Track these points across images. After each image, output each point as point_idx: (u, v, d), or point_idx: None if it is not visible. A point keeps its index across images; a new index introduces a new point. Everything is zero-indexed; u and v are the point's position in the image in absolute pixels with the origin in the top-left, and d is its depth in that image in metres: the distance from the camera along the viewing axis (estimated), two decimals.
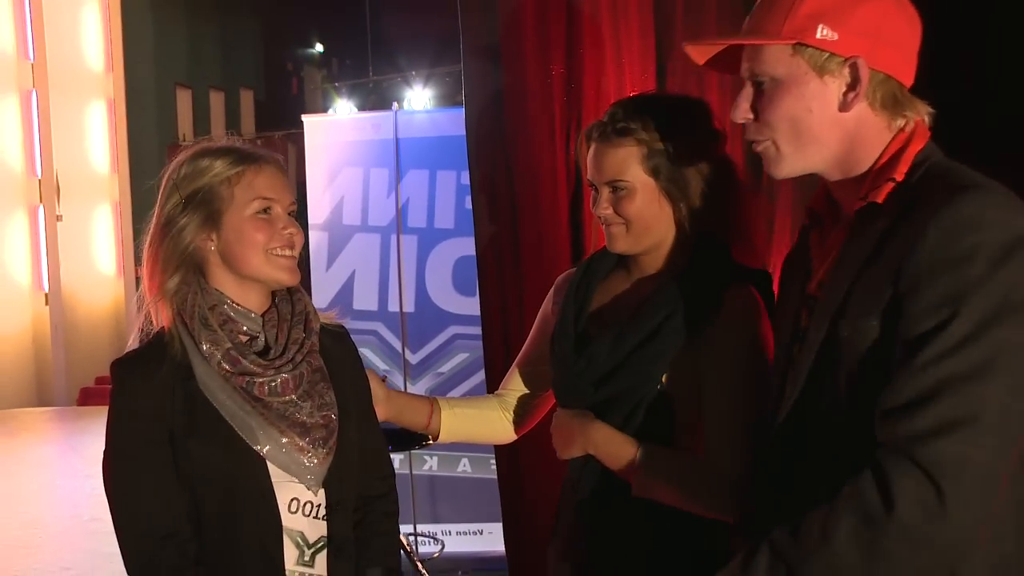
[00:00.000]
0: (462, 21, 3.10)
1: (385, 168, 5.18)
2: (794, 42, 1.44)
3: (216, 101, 22.31)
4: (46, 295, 17.62)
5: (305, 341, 1.80)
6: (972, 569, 1.34)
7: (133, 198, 19.16)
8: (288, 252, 1.78)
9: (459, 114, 3.29)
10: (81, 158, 18.46)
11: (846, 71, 1.44)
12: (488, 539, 4.88)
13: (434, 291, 5.09)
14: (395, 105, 5.26)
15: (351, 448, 1.83)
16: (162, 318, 1.78)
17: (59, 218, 17.59)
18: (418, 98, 17.11)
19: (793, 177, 1.56)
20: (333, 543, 1.81)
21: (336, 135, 5.32)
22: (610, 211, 1.88)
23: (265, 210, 1.75)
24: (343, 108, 18.20)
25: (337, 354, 1.89)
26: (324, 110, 19.37)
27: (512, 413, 2.20)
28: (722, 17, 2.99)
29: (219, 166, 1.76)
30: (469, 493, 5.06)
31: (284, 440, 1.72)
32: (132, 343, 1.83)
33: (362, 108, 18.24)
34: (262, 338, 1.80)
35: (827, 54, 1.44)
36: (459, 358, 5.09)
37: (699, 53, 1.62)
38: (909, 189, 1.40)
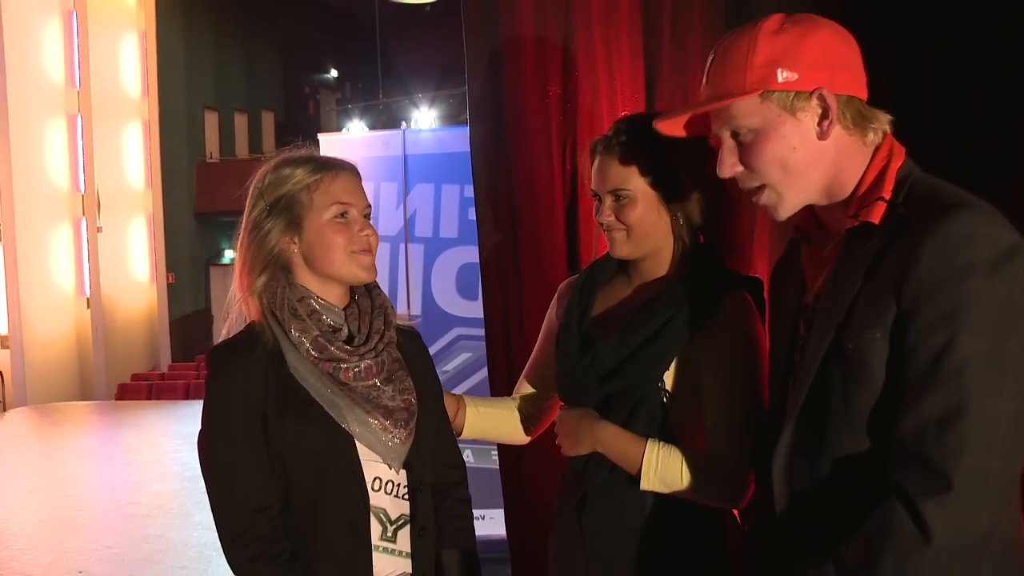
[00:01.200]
0: (467, 46, 3.06)
1: (394, 182, 5.15)
2: (761, 92, 1.42)
3: (240, 122, 22.37)
4: (87, 300, 17.73)
5: (385, 332, 1.78)
6: (988, 559, 1.33)
7: (165, 211, 19.24)
8: (366, 253, 1.76)
9: (463, 132, 3.24)
10: (119, 175, 18.61)
11: (814, 103, 1.42)
12: (490, 523, 4.81)
13: (439, 295, 5.07)
14: (403, 124, 5.20)
15: (428, 434, 1.81)
16: (252, 312, 1.75)
17: (99, 229, 17.73)
18: (424, 118, 17.13)
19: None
20: (417, 522, 1.77)
21: (349, 152, 5.22)
22: (612, 218, 1.85)
23: (342, 214, 1.73)
24: (356, 128, 18.24)
25: (411, 351, 1.87)
26: (338, 129, 19.39)
27: (525, 416, 2.16)
28: (705, 43, 2.95)
29: (299, 174, 1.74)
30: (472, 481, 4.98)
31: (370, 420, 1.70)
32: (224, 335, 1.80)
33: (373, 127, 18.25)
34: (345, 329, 1.77)
35: (793, 93, 1.41)
36: (463, 357, 5.06)
37: (670, 126, 1.59)
38: (898, 207, 1.38)
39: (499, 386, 3.05)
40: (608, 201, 1.85)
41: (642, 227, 1.84)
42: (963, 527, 1.25)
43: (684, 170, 1.82)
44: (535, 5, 3.00)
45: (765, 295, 1.86)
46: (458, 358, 5.08)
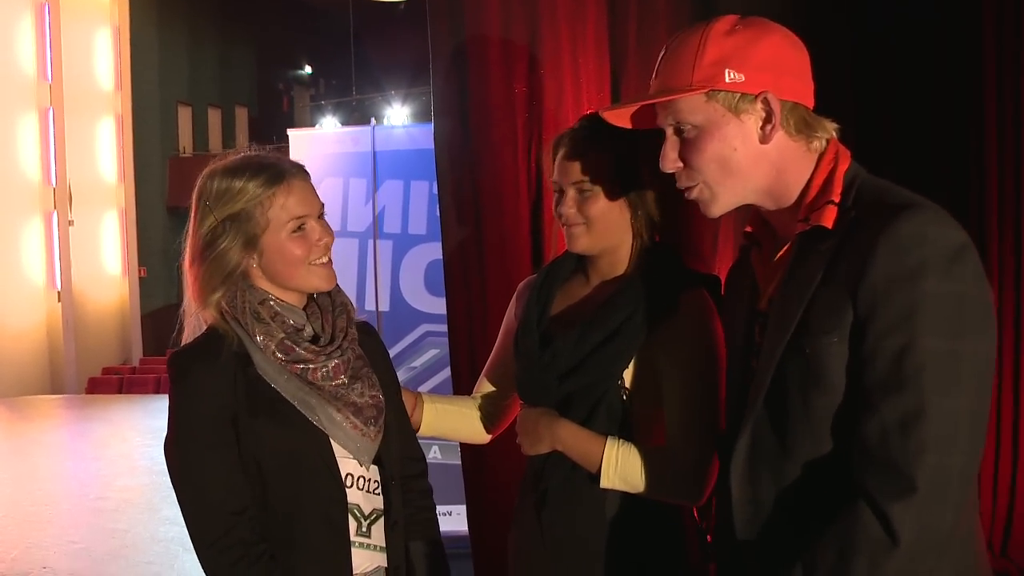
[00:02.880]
0: (432, 44, 3.04)
1: (363, 178, 5.11)
2: (707, 90, 1.41)
3: (214, 117, 22.21)
4: (58, 293, 17.56)
5: (348, 330, 1.75)
6: (950, 558, 1.33)
7: (138, 205, 19.08)
8: (324, 259, 1.72)
9: (432, 129, 3.21)
10: (91, 169, 18.43)
11: (759, 106, 1.41)
12: (456, 519, 4.79)
13: (407, 292, 5.04)
14: (372, 121, 5.16)
15: (394, 429, 1.80)
16: (209, 318, 1.71)
17: (71, 223, 17.57)
18: (397, 115, 17.06)
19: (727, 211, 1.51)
20: (391, 516, 1.76)
21: (319, 148, 5.23)
22: (574, 210, 1.83)
23: (300, 227, 1.69)
24: (328, 124, 18.14)
25: (369, 346, 1.84)
26: (312, 125, 19.27)
27: (486, 414, 2.14)
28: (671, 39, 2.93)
29: (251, 189, 1.67)
30: (439, 477, 4.94)
31: (339, 418, 1.67)
32: (186, 341, 1.75)
33: (346, 124, 18.17)
34: (309, 328, 1.74)
35: (739, 95, 1.41)
36: (430, 354, 5.04)
37: (617, 116, 1.59)
38: (848, 210, 1.38)
39: (462, 383, 3.03)
40: (571, 193, 1.83)
41: (603, 221, 1.82)
42: (929, 527, 1.26)
43: (646, 166, 1.79)
44: (501, 4, 2.98)
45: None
46: (426, 354, 5.05)
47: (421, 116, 16.73)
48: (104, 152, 18.96)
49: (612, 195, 1.81)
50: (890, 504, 1.25)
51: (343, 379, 1.70)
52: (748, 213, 1.60)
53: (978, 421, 1.28)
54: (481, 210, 3.00)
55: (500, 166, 2.95)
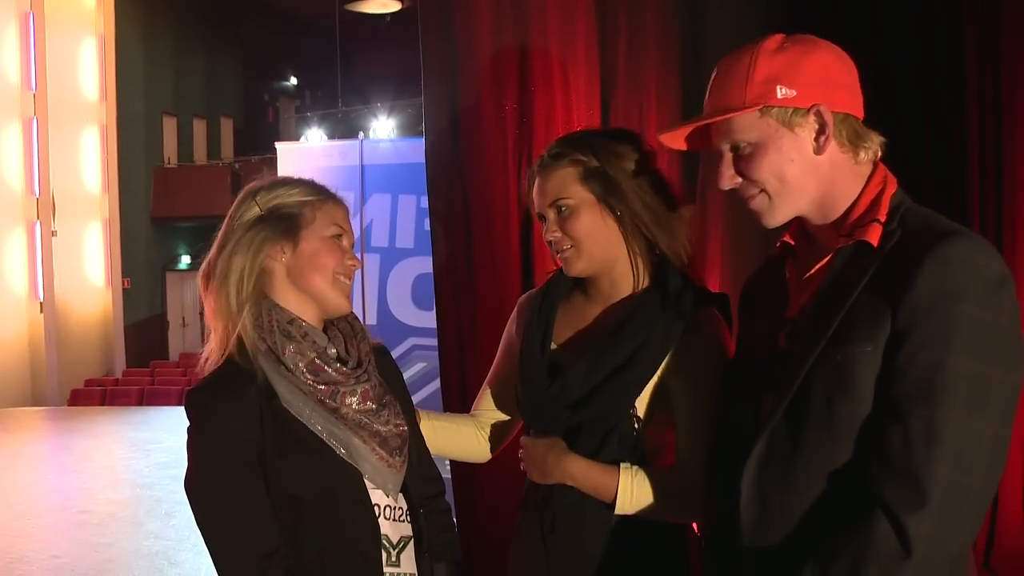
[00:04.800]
0: (423, 59, 3.05)
1: (351, 192, 5.12)
2: (760, 107, 1.46)
3: (199, 128, 22.14)
4: (41, 304, 17.44)
5: (370, 356, 1.74)
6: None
7: (122, 216, 18.99)
8: (349, 280, 1.73)
9: (420, 143, 3.23)
10: (75, 179, 18.34)
11: (811, 119, 1.46)
12: None
13: (395, 305, 5.06)
14: (361, 135, 5.17)
15: (415, 455, 1.78)
16: (232, 342, 1.66)
17: (54, 233, 17.46)
18: (383, 127, 17.04)
19: (783, 221, 1.54)
20: (421, 543, 1.74)
21: (306, 161, 5.26)
22: (559, 234, 1.80)
23: (338, 236, 1.71)
24: (315, 136, 18.12)
25: (383, 367, 1.81)
26: (297, 137, 19.26)
27: (486, 433, 2.09)
28: (660, 62, 2.97)
29: (301, 191, 1.72)
30: None
31: (367, 449, 1.64)
32: (203, 371, 1.70)
33: (332, 136, 18.13)
34: (333, 350, 1.71)
35: (791, 109, 1.45)
36: (418, 367, 5.05)
37: (673, 139, 1.63)
38: (893, 232, 1.42)
39: (452, 398, 3.03)
40: (552, 216, 1.81)
41: (590, 238, 1.79)
42: (942, 542, 1.28)
43: (617, 171, 1.79)
44: (492, 21, 3.00)
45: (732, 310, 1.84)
46: (413, 368, 5.06)
47: (407, 128, 16.72)
48: (88, 162, 18.87)
49: (592, 207, 1.78)
50: (906, 515, 1.28)
51: (371, 405, 1.66)
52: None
53: (1000, 447, 1.31)
54: (472, 226, 3.01)
55: (490, 182, 2.97)
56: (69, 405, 15.89)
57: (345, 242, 1.73)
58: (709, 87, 1.54)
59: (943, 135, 3.29)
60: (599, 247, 1.80)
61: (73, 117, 18.29)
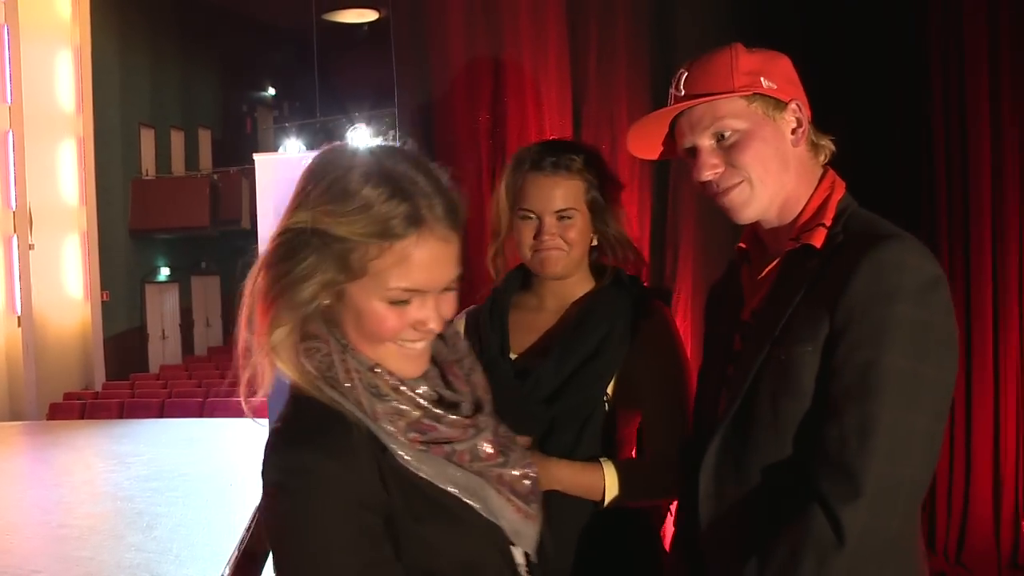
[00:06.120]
0: (396, 71, 3.09)
1: None
2: (751, 92, 1.50)
3: (177, 140, 22.04)
4: (18, 318, 17.33)
5: (486, 386, 1.37)
6: (893, 564, 1.41)
7: (100, 228, 18.88)
8: (419, 344, 1.27)
9: None
10: (52, 191, 18.23)
11: (790, 114, 1.52)
12: None
13: None
14: None
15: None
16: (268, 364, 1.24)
17: (31, 247, 17.35)
18: (361, 136, 17.03)
19: (751, 220, 1.57)
20: None
21: (284, 172, 5.26)
22: (558, 239, 1.87)
23: (404, 301, 1.22)
24: (292, 146, 18.08)
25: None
26: (275, 148, 19.20)
27: None
28: (630, 73, 3.02)
29: (367, 221, 1.18)
30: None
31: (500, 503, 1.30)
32: (249, 408, 1.28)
33: (310, 146, 18.10)
34: (433, 392, 1.30)
35: (775, 100, 1.51)
36: None
37: (647, 142, 1.64)
38: (837, 234, 1.47)
39: None
40: (551, 221, 1.86)
41: (579, 247, 1.89)
42: (876, 532, 1.33)
43: (608, 194, 1.90)
44: (464, 34, 3.04)
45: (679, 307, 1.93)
46: None
47: (386, 139, 16.73)
48: (65, 175, 18.76)
49: (585, 220, 1.89)
50: (841, 506, 1.32)
51: (499, 458, 1.31)
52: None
53: (932, 441, 1.37)
54: None
55: (464, 191, 3.00)
56: (48, 419, 15.76)
57: (419, 302, 1.23)
58: (683, 81, 1.54)
59: (910, 131, 3.37)
60: (582, 255, 1.92)
61: (49, 129, 18.20)
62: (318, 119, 20.37)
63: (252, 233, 4.46)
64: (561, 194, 1.87)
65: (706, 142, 1.53)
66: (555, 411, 1.84)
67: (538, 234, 1.88)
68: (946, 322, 1.38)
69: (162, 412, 14.81)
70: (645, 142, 1.64)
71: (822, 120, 1.58)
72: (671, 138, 1.60)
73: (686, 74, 1.55)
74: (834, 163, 1.59)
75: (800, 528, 1.36)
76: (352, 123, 18.05)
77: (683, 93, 1.54)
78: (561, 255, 1.88)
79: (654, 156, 1.68)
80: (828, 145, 1.57)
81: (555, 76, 3.01)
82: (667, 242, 3.15)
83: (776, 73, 1.52)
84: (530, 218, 1.89)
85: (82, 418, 15.35)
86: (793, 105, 1.51)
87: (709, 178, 1.53)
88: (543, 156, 1.90)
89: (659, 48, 3.07)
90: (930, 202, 3.47)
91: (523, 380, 1.87)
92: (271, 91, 26.74)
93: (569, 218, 1.87)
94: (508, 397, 1.87)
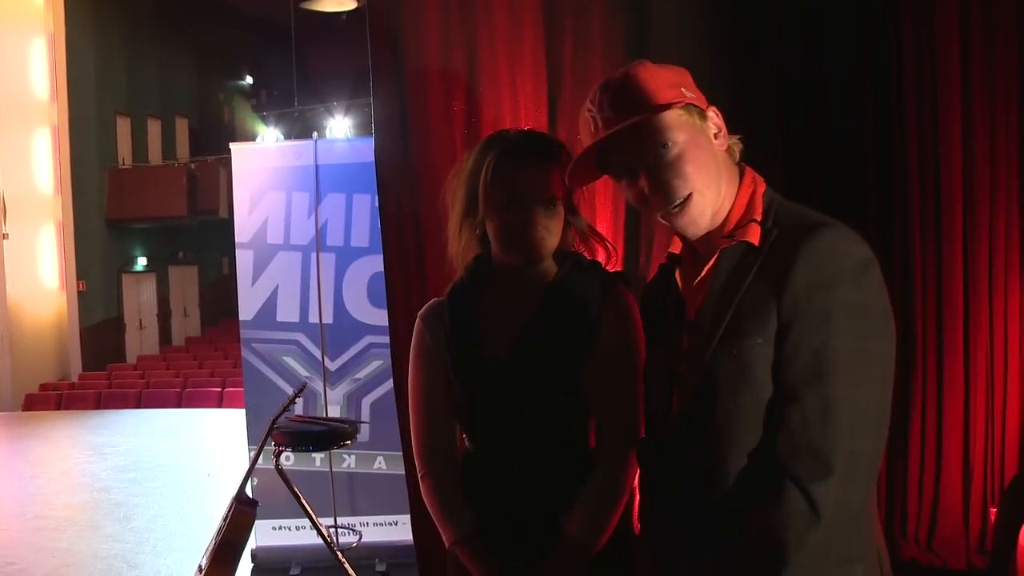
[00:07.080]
0: (372, 60, 3.08)
1: (306, 192, 5.13)
2: (683, 104, 1.53)
3: (153, 128, 21.89)
4: None
5: None
6: (856, 532, 1.48)
7: (76, 217, 18.72)
8: None
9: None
10: (27, 180, 18.03)
11: (710, 121, 1.57)
12: (402, 529, 4.83)
13: (351, 304, 5.07)
14: (315, 134, 5.17)
15: None
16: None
17: (6, 236, 17.17)
18: (339, 126, 16.97)
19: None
20: None
21: (261, 162, 5.23)
22: (543, 225, 1.90)
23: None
24: (270, 135, 18.00)
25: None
26: (253, 137, 19.12)
27: None
28: (605, 62, 3.02)
29: None
30: (384, 488, 5.04)
31: None
32: None
33: (288, 135, 18.05)
34: None
35: (698, 109, 1.56)
36: (374, 365, 5.08)
37: (584, 170, 1.66)
38: (770, 229, 1.53)
39: (404, 396, 3.06)
40: (539, 209, 1.88)
41: (559, 233, 1.93)
42: (846, 503, 1.41)
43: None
44: (440, 23, 3.04)
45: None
46: (370, 366, 5.09)
47: (363, 128, 16.67)
48: (40, 163, 18.58)
49: (562, 208, 1.92)
50: (813, 484, 1.40)
51: None
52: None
53: (883, 410, 1.46)
54: (421, 225, 3.05)
55: (439, 180, 2.98)
56: (24, 410, 15.63)
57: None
58: (604, 107, 1.54)
59: (882, 130, 3.40)
60: (558, 241, 1.95)
61: (23, 118, 18.00)
62: (296, 108, 20.29)
63: (230, 222, 4.48)
64: (550, 180, 1.89)
65: (649, 162, 1.53)
66: (532, 398, 1.88)
67: (526, 221, 1.89)
68: (880, 299, 1.46)
69: (139, 403, 14.73)
70: (581, 172, 1.67)
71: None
72: (599, 161, 1.63)
73: (607, 97, 1.55)
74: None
75: (776, 509, 1.42)
76: (330, 112, 18.00)
77: (613, 115, 1.53)
78: (549, 241, 1.92)
79: (592, 181, 1.73)
80: (738, 143, 1.62)
81: (530, 66, 3.02)
82: (641, 234, 3.16)
83: (689, 84, 1.57)
84: (519, 204, 1.89)
85: (58, 409, 15.24)
86: (711, 112, 1.57)
87: (672, 202, 1.53)
88: (529, 146, 1.93)
89: (635, 39, 3.08)
90: (902, 200, 3.50)
91: (498, 371, 1.90)
92: (248, 80, 26.59)
93: (554, 206, 1.90)
94: (492, 381, 1.92)
